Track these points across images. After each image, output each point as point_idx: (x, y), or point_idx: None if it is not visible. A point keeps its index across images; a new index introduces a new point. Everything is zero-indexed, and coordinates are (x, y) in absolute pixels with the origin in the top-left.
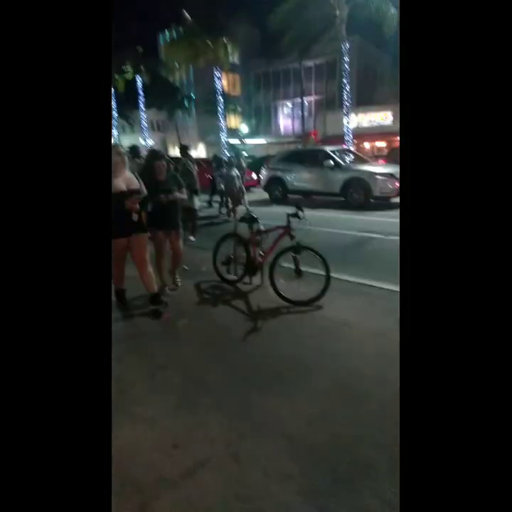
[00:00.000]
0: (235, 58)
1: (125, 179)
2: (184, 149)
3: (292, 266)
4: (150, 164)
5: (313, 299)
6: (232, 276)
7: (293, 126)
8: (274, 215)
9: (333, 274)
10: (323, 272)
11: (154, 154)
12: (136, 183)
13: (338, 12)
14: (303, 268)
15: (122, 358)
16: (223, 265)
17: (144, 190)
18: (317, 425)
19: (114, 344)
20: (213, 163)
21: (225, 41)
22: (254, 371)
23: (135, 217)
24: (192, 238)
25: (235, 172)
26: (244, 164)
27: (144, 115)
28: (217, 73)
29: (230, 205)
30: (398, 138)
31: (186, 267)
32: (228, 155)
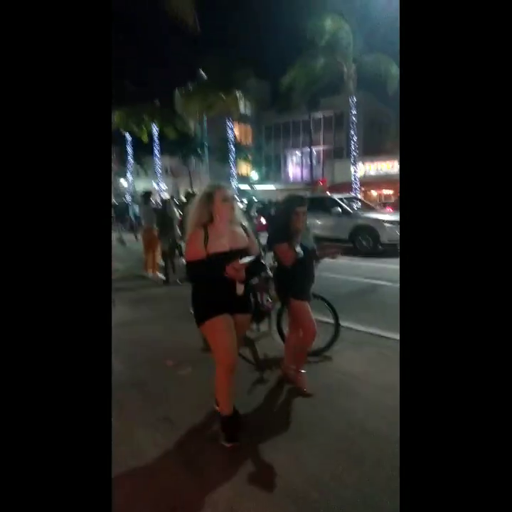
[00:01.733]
0: (246, 110)
1: (230, 233)
2: (188, 195)
3: None
4: (289, 210)
5: (322, 350)
6: None
7: (302, 173)
8: None
9: (341, 323)
10: (332, 321)
11: (295, 199)
12: (243, 240)
13: (345, 69)
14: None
15: (124, 407)
16: None
17: (256, 249)
18: (322, 486)
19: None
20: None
21: (237, 94)
22: (259, 426)
23: (240, 289)
24: None
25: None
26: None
27: (157, 161)
28: (229, 123)
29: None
30: None
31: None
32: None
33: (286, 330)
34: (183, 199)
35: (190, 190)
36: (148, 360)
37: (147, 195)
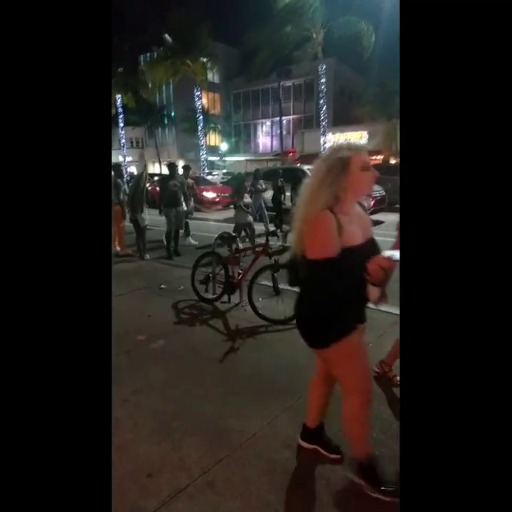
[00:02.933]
0: (214, 78)
1: (357, 217)
2: (173, 168)
3: (271, 284)
4: None
5: (292, 317)
6: (209, 295)
7: (272, 144)
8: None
9: None
10: None
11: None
12: (370, 225)
13: (314, 35)
14: (281, 286)
15: None
16: (201, 284)
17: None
18: (294, 448)
19: None
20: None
21: (204, 61)
22: (231, 393)
23: (375, 295)
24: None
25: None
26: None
27: (122, 133)
28: (197, 92)
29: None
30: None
31: (164, 286)
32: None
33: (257, 302)
34: (154, 172)
35: (173, 161)
36: (119, 334)
37: (117, 168)
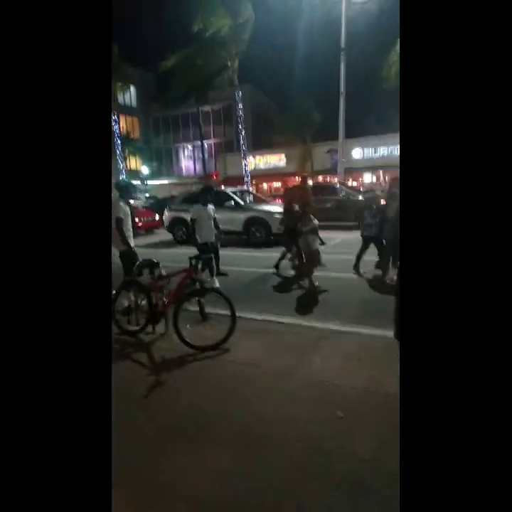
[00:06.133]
0: (131, 101)
1: None
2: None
3: (197, 309)
4: None
5: (220, 342)
6: (133, 327)
7: (194, 167)
8: (179, 256)
9: (239, 314)
10: (228, 313)
11: None
12: None
13: (229, 63)
14: (208, 310)
15: None
16: (123, 316)
17: None
18: (223, 482)
19: None
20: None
21: (119, 84)
22: (157, 431)
23: None
24: None
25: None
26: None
27: None
28: (114, 116)
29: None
30: (292, 178)
31: None
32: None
33: (183, 330)
34: None
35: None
36: None
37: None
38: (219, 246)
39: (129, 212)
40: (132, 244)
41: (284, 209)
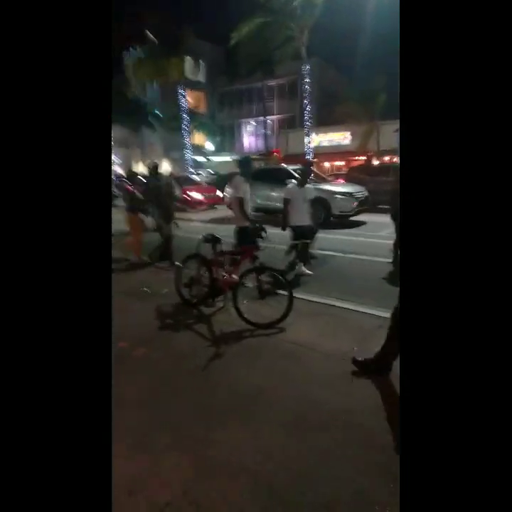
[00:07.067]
0: (199, 76)
1: None
2: (155, 169)
3: (255, 287)
4: None
5: (276, 321)
6: (194, 299)
7: (256, 143)
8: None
9: (295, 295)
10: (286, 293)
11: None
12: None
13: (297, 35)
14: (266, 288)
15: None
16: (186, 287)
17: None
18: (277, 461)
19: None
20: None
21: (188, 59)
22: (214, 404)
23: None
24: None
25: None
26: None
27: None
28: (182, 91)
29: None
30: (356, 157)
31: (147, 289)
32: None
33: (241, 305)
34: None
35: (155, 161)
36: None
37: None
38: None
39: (248, 189)
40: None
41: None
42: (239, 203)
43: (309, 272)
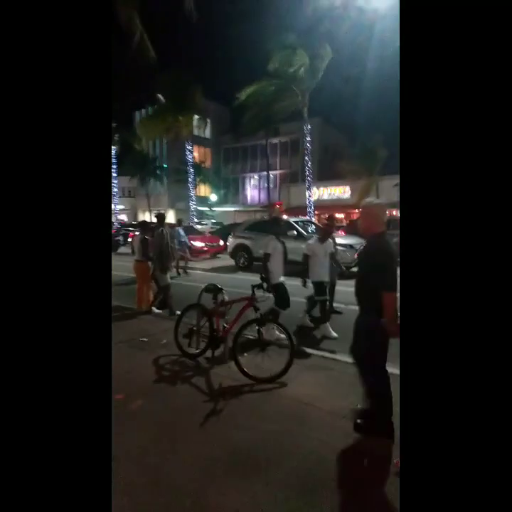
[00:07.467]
0: (205, 133)
1: None
2: (162, 218)
3: (256, 338)
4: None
5: (277, 376)
6: (193, 350)
7: (259, 196)
8: (239, 282)
9: (298, 347)
10: (287, 346)
11: None
12: None
13: (300, 98)
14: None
15: None
16: (185, 338)
17: None
18: None
19: None
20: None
21: (195, 117)
22: (211, 463)
23: None
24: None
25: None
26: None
27: (115, 182)
28: (188, 146)
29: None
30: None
31: (145, 339)
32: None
33: (241, 358)
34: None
35: (162, 211)
36: None
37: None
38: (336, 281)
39: (281, 249)
40: (282, 278)
41: None
42: (264, 258)
43: (335, 334)
